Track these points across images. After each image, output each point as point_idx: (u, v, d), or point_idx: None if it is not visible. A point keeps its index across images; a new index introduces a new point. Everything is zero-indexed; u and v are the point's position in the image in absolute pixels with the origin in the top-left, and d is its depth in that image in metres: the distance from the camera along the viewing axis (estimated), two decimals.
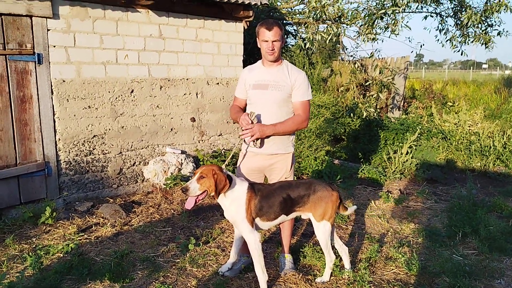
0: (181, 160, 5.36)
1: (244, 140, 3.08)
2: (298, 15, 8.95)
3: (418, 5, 8.17)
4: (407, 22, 8.11)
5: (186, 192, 2.66)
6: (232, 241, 3.42)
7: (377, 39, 7.73)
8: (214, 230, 4.05)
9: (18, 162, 4.24)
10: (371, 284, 3.01)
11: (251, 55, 7.86)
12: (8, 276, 3.08)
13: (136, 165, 5.20)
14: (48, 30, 4.31)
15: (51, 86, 4.40)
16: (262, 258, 2.82)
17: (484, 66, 59.18)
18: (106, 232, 3.96)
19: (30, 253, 3.38)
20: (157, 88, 5.29)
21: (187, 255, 3.48)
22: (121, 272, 3.16)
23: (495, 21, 8.37)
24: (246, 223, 2.77)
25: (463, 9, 8.29)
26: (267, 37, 2.88)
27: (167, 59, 5.34)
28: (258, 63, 3.13)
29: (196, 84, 5.69)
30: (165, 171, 5.18)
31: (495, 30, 8.43)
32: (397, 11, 7.29)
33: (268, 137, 2.97)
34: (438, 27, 9.21)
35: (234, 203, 2.78)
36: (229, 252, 3.43)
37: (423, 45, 8.92)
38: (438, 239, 3.86)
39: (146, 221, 4.28)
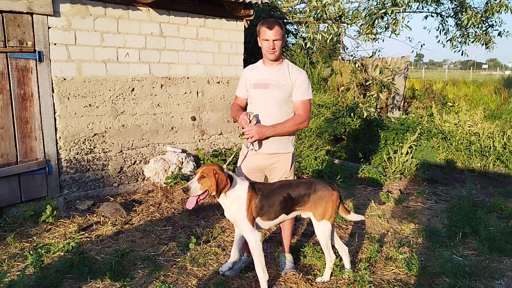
0: (182, 159, 5.36)
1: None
2: (298, 14, 8.95)
3: (418, 5, 8.17)
4: (408, 22, 8.11)
5: (187, 192, 2.66)
6: (233, 241, 3.42)
7: (378, 38, 7.73)
8: (215, 229, 4.05)
9: (19, 160, 4.23)
10: (371, 284, 3.01)
11: (252, 54, 7.86)
12: (9, 274, 3.08)
13: (137, 164, 5.20)
14: (49, 27, 4.30)
15: (52, 84, 4.40)
16: (262, 257, 2.83)
17: (484, 66, 59.20)
18: (107, 230, 3.96)
19: (31, 252, 3.38)
20: (158, 87, 5.29)
21: (188, 254, 3.49)
22: (122, 271, 3.16)
23: (495, 22, 8.38)
24: (246, 222, 2.77)
25: (464, 10, 8.29)
26: (268, 36, 2.88)
27: (167, 57, 5.34)
28: (259, 62, 3.13)
29: (196, 83, 5.69)
30: (165, 170, 5.18)
31: (495, 30, 8.44)
32: (397, 11, 7.29)
33: (267, 138, 2.97)
34: (438, 27, 9.23)
35: (235, 202, 2.78)
36: (230, 251, 3.43)
37: (424, 45, 8.93)
38: (438, 240, 3.86)
39: (146, 220, 4.29)
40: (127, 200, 4.83)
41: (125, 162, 5.08)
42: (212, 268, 3.28)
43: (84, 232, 3.90)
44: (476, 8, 8.20)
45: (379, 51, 8.39)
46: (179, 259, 3.40)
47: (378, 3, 7.76)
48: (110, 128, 4.91)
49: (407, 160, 6.13)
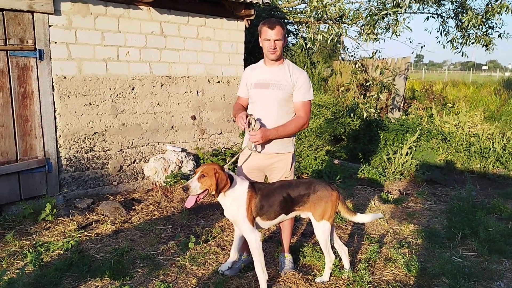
0: (182, 158, 5.36)
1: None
2: (299, 14, 8.95)
3: (419, 6, 8.17)
4: (408, 23, 8.12)
5: (187, 190, 2.66)
6: (232, 240, 3.42)
7: (379, 39, 7.73)
8: (214, 228, 4.05)
9: (18, 158, 4.23)
10: (370, 285, 3.01)
11: (252, 53, 7.86)
12: (9, 272, 3.08)
13: (137, 163, 5.20)
14: (49, 26, 4.30)
15: (52, 82, 4.39)
16: (262, 257, 2.83)
17: (484, 67, 59.21)
18: (106, 229, 3.96)
19: (30, 250, 3.38)
20: (158, 86, 5.28)
21: (187, 253, 3.49)
22: (121, 270, 3.16)
23: (495, 23, 8.39)
24: (246, 222, 2.77)
25: (464, 11, 8.29)
26: (269, 36, 2.88)
27: (168, 56, 5.34)
28: (260, 62, 3.14)
29: (197, 82, 5.69)
30: (165, 169, 5.18)
31: (496, 32, 8.45)
32: (398, 11, 7.29)
33: (270, 140, 2.97)
34: (439, 28, 9.23)
35: (235, 202, 2.78)
36: (229, 251, 3.44)
37: (424, 46, 8.94)
38: (437, 241, 3.86)
39: (146, 219, 4.28)
40: (126, 198, 4.83)
41: (125, 160, 5.08)
42: (211, 267, 3.28)
43: (83, 231, 3.90)
44: (476, 9, 8.21)
45: (379, 51, 8.39)
46: (179, 258, 3.40)
47: (379, 4, 7.77)
48: (110, 126, 4.90)
49: (406, 161, 6.13)
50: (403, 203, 4.99)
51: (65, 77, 4.48)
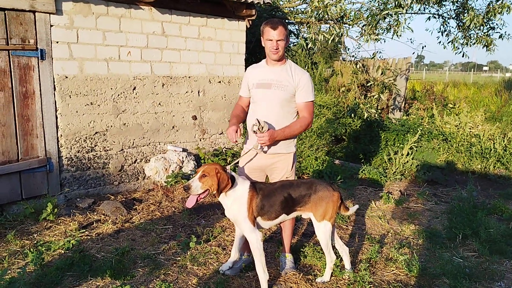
0: (182, 158, 5.36)
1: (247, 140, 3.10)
2: (300, 14, 8.95)
3: (420, 7, 8.17)
4: (409, 23, 8.13)
5: (188, 190, 2.66)
6: (233, 240, 3.42)
7: (380, 39, 7.73)
8: (215, 228, 4.05)
9: (20, 158, 4.24)
10: (371, 285, 3.01)
11: (253, 54, 7.86)
12: (10, 271, 3.08)
13: (138, 162, 5.21)
14: (51, 26, 4.30)
15: (54, 82, 4.40)
16: (263, 257, 2.83)
17: (485, 68, 59.16)
18: (107, 229, 3.97)
19: (32, 249, 3.38)
20: (159, 86, 5.29)
21: (188, 253, 3.49)
22: (122, 269, 3.17)
23: (497, 24, 8.39)
24: (247, 222, 2.78)
25: (466, 11, 8.29)
26: (271, 36, 2.88)
27: (169, 56, 5.34)
28: (262, 62, 3.14)
29: (198, 82, 5.69)
30: (166, 169, 5.19)
31: (496, 32, 8.45)
32: (400, 12, 7.28)
33: (276, 142, 2.98)
34: (440, 28, 9.23)
35: (236, 202, 2.78)
36: (230, 250, 3.44)
37: (425, 46, 8.94)
38: (438, 241, 3.86)
39: (147, 218, 4.29)
40: (127, 198, 4.83)
41: (126, 160, 5.08)
42: (212, 267, 3.28)
43: (84, 230, 3.90)
44: (478, 9, 8.21)
45: (380, 52, 8.39)
46: (180, 258, 3.40)
47: (380, 4, 7.77)
48: (111, 126, 4.91)
49: (407, 161, 6.13)
50: (404, 203, 4.99)
51: (66, 77, 4.49)
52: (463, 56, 9.06)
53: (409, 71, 10.46)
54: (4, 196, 4.14)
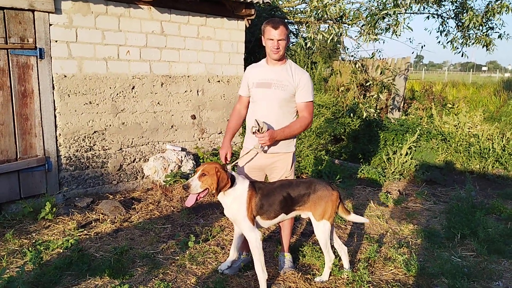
0: (181, 157, 5.36)
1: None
2: (299, 14, 8.95)
3: (419, 6, 8.17)
4: (408, 23, 8.13)
5: (188, 189, 2.66)
6: (232, 239, 3.43)
7: (379, 39, 7.73)
8: (214, 228, 4.05)
9: (18, 157, 4.23)
10: (370, 284, 3.02)
11: (252, 53, 7.85)
12: (8, 270, 3.08)
13: (136, 162, 5.20)
14: (50, 24, 4.30)
15: (53, 81, 4.39)
16: (262, 256, 2.83)
17: (484, 68, 59.22)
18: (106, 228, 3.96)
19: (30, 248, 3.37)
20: (158, 85, 5.29)
21: (187, 252, 3.49)
22: (121, 269, 3.17)
23: (496, 24, 8.40)
24: (247, 221, 2.78)
25: (465, 11, 8.30)
26: (272, 36, 2.88)
27: (168, 56, 5.34)
28: (262, 62, 3.13)
29: (197, 82, 5.69)
30: (165, 168, 5.18)
31: (496, 32, 8.47)
32: (399, 11, 7.29)
33: (276, 141, 2.98)
34: (439, 28, 9.23)
35: (236, 201, 2.78)
36: (229, 250, 3.44)
37: (424, 46, 8.94)
38: (437, 240, 3.87)
39: (145, 218, 4.29)
40: (126, 198, 4.83)
41: (124, 160, 5.08)
42: (211, 266, 3.28)
43: (83, 230, 3.90)
44: (477, 9, 8.22)
45: (379, 52, 8.39)
46: (178, 257, 3.40)
47: (379, 4, 7.77)
48: (110, 125, 4.90)
49: (406, 161, 6.13)
50: (402, 203, 5.00)
51: (65, 76, 4.48)
52: (462, 56, 9.08)
53: (408, 71, 10.47)
54: (2, 195, 4.14)
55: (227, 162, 3.11)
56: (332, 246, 3.12)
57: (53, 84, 4.40)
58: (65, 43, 4.44)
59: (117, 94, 4.92)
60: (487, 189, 5.76)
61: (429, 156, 6.86)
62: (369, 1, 8.27)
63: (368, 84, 9.07)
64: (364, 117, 7.86)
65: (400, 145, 6.89)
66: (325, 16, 7.60)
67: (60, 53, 4.41)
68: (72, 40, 4.49)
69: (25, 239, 3.63)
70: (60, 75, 4.44)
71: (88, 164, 4.76)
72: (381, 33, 7.96)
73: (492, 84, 17.96)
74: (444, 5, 8.76)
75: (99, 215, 4.25)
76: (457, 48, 8.91)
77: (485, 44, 8.52)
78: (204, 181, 2.67)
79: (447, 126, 8.03)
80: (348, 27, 8.12)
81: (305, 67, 10.01)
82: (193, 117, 5.71)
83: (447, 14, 8.92)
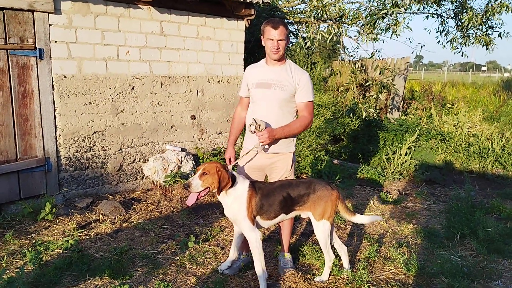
0: (181, 157, 5.36)
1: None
2: (299, 14, 8.96)
3: (419, 6, 8.18)
4: (408, 23, 8.13)
5: (188, 188, 2.66)
6: (232, 239, 3.43)
7: (378, 39, 7.74)
8: (214, 228, 4.05)
9: (18, 157, 4.23)
10: (369, 284, 3.02)
11: (252, 53, 7.86)
12: (8, 271, 3.08)
13: (136, 162, 5.20)
14: (49, 25, 4.30)
15: (52, 81, 4.39)
16: (262, 256, 2.83)
17: (484, 68, 59.24)
18: (106, 228, 3.96)
19: (30, 249, 3.37)
20: (158, 85, 5.29)
21: (187, 252, 3.49)
22: (121, 269, 3.17)
23: (495, 23, 8.41)
24: (247, 221, 2.78)
25: (464, 10, 8.31)
26: (272, 36, 2.88)
27: (168, 56, 5.34)
28: (262, 62, 3.13)
29: (196, 82, 5.69)
30: (164, 169, 5.18)
31: (495, 32, 8.47)
32: (398, 11, 7.30)
33: (276, 140, 2.98)
34: (438, 28, 9.25)
35: (236, 201, 2.79)
36: (229, 250, 3.44)
37: (424, 46, 8.95)
38: (436, 240, 3.87)
39: (145, 218, 4.29)
40: (126, 198, 4.83)
41: (124, 160, 5.08)
42: (211, 266, 3.28)
43: (83, 230, 3.90)
44: (476, 9, 8.23)
45: (379, 51, 8.40)
46: (178, 258, 3.40)
47: (379, 4, 7.78)
48: (109, 126, 4.91)
49: (406, 161, 6.14)
50: (402, 203, 5.00)
51: (65, 76, 4.48)
52: (462, 55, 9.10)
53: (407, 71, 10.47)
54: (2, 195, 4.14)
55: (230, 163, 3.11)
56: (332, 246, 3.12)
57: (52, 85, 4.40)
58: (64, 44, 4.44)
59: (117, 94, 4.92)
60: (487, 188, 5.77)
61: (428, 156, 6.86)
62: (369, 1, 8.29)
63: (367, 84, 9.08)
64: (363, 117, 7.87)
65: (399, 145, 6.90)
66: (325, 16, 7.61)
67: (60, 54, 4.42)
68: (71, 41, 4.49)
69: (25, 240, 3.63)
70: (60, 75, 4.44)
71: (88, 165, 4.76)
72: (381, 33, 7.97)
73: (491, 84, 17.97)
74: (443, 5, 8.78)
75: (99, 216, 4.25)
76: (457, 48, 8.92)
77: (485, 43, 8.53)
78: (205, 180, 2.68)
79: (446, 126, 8.04)
80: (347, 27, 8.13)
81: (305, 67, 10.02)
82: (193, 117, 5.71)
83: (447, 14, 8.93)
